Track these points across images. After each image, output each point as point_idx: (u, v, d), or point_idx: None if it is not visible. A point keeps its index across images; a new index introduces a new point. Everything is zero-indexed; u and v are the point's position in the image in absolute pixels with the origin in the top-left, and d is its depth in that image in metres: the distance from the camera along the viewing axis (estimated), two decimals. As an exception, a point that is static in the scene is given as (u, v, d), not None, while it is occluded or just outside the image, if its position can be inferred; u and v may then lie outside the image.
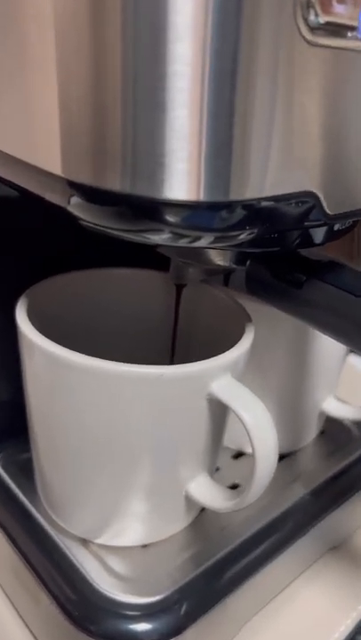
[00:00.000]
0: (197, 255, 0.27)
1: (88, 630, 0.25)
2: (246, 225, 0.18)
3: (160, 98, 0.15)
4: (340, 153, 0.19)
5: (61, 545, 0.28)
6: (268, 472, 0.24)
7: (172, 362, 0.33)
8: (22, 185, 0.21)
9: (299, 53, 0.16)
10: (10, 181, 0.21)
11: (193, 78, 0.15)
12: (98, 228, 0.19)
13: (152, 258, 0.29)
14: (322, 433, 0.38)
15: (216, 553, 0.28)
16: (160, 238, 0.18)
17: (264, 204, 0.18)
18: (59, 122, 0.17)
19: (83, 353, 0.23)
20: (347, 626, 0.32)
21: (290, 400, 0.34)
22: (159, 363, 0.23)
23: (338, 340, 0.24)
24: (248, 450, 0.35)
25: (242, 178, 0.17)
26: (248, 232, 0.19)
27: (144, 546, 0.29)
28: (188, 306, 0.31)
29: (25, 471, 0.32)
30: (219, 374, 0.24)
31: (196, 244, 0.19)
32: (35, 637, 0.29)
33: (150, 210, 0.17)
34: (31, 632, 0.29)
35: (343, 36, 0.17)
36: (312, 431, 0.37)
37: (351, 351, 0.38)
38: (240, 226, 0.18)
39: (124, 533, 0.28)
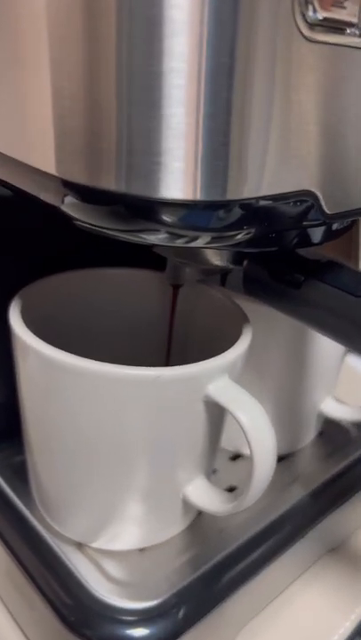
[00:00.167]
0: (194, 255, 0.27)
1: (84, 636, 0.24)
2: (244, 225, 0.18)
3: (156, 95, 0.15)
4: (338, 151, 0.19)
5: (57, 549, 0.28)
6: (267, 475, 0.24)
7: (168, 363, 0.32)
8: (16, 184, 0.20)
9: (297, 50, 0.16)
10: (4, 181, 0.21)
11: (189, 75, 0.15)
12: (93, 228, 0.19)
13: (150, 258, 0.28)
14: (320, 434, 0.38)
15: (214, 556, 0.28)
16: (156, 238, 0.18)
17: (262, 203, 0.17)
18: (52, 120, 0.16)
19: (78, 354, 0.23)
20: (346, 628, 0.32)
21: (288, 401, 0.34)
22: (155, 363, 0.23)
23: (337, 340, 0.24)
24: (246, 451, 0.35)
25: (239, 177, 0.16)
26: (246, 232, 0.18)
27: (141, 550, 0.28)
28: (184, 306, 0.31)
29: (19, 474, 0.31)
30: (216, 376, 0.24)
31: (193, 245, 0.18)
32: (30, 643, 0.29)
33: (146, 209, 0.16)
34: (26, 637, 0.29)
35: (342, 33, 0.17)
36: (310, 432, 0.37)
37: (350, 352, 0.37)
38: (238, 226, 0.18)
39: (121, 537, 0.28)
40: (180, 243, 0.18)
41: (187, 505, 0.28)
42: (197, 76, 0.15)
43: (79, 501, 0.27)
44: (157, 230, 0.17)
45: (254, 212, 0.17)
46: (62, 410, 0.24)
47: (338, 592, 0.34)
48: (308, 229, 0.23)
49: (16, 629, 0.30)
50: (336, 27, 0.17)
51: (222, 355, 0.24)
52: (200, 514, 0.30)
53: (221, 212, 0.17)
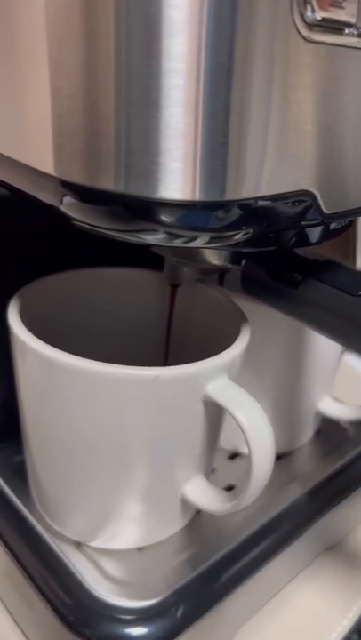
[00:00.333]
0: (192, 255, 0.27)
1: (83, 635, 0.24)
2: (242, 225, 0.18)
3: (154, 95, 0.15)
4: (337, 151, 0.19)
5: (56, 548, 0.28)
6: (265, 474, 0.24)
7: (166, 362, 0.32)
8: (15, 185, 0.20)
9: (295, 50, 0.16)
10: (3, 181, 0.21)
11: (188, 75, 0.15)
12: (91, 228, 0.19)
13: (149, 257, 0.28)
14: (318, 433, 0.38)
15: (212, 555, 0.28)
16: (155, 238, 0.18)
17: (260, 203, 0.17)
18: (51, 120, 0.16)
19: (76, 353, 0.23)
20: (343, 626, 0.32)
21: (286, 400, 0.34)
22: (153, 363, 0.23)
23: (335, 340, 0.24)
24: (244, 450, 0.35)
25: (238, 177, 0.16)
26: (244, 232, 0.18)
27: (139, 549, 0.28)
28: (182, 306, 0.31)
29: (18, 474, 0.31)
30: (215, 375, 0.24)
31: (192, 245, 0.18)
32: (29, 642, 0.29)
33: (145, 210, 0.16)
34: (25, 636, 0.29)
35: (340, 33, 0.17)
36: (308, 431, 0.37)
37: (347, 351, 0.37)
38: (236, 226, 0.18)
39: (119, 536, 0.28)
40: (178, 243, 0.18)
41: (185, 504, 0.28)
42: (196, 75, 0.15)
43: (78, 501, 0.27)
44: (156, 230, 0.17)
45: (253, 213, 0.17)
46: (61, 410, 0.24)
47: (335, 590, 0.34)
48: (307, 229, 0.23)
49: (15, 629, 0.30)
50: (334, 27, 0.17)
51: (221, 354, 0.24)
52: (199, 513, 0.30)
53: (220, 213, 0.17)
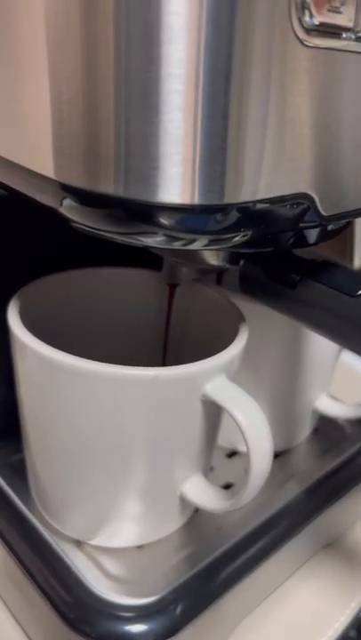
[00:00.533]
0: (191, 255, 0.27)
1: (83, 632, 0.25)
2: (241, 227, 0.18)
3: (154, 100, 0.15)
4: (334, 154, 0.19)
5: (55, 546, 0.28)
6: (263, 473, 0.24)
7: (164, 361, 0.33)
8: (14, 187, 0.20)
9: (293, 55, 0.16)
10: (4, 184, 0.21)
11: (187, 81, 0.15)
12: (90, 230, 0.19)
13: (148, 257, 0.29)
14: (315, 431, 0.39)
15: (211, 553, 0.28)
16: (154, 241, 0.18)
17: (259, 206, 0.18)
18: (51, 124, 0.17)
19: (75, 353, 0.23)
20: (341, 622, 0.32)
21: (283, 399, 0.34)
22: (152, 362, 0.23)
23: (333, 340, 0.24)
24: (242, 448, 0.35)
25: (237, 181, 0.17)
26: (243, 234, 0.19)
27: (139, 547, 0.29)
28: (180, 305, 0.31)
29: (18, 472, 0.31)
30: (213, 375, 0.24)
31: (191, 247, 0.19)
32: (29, 639, 0.29)
33: (144, 213, 0.17)
34: (26, 634, 0.29)
35: (338, 37, 0.17)
36: (306, 429, 0.38)
37: (345, 349, 0.38)
38: (235, 228, 0.18)
39: (119, 534, 0.28)
40: (177, 245, 0.18)
41: (184, 502, 0.28)
42: (195, 81, 0.15)
43: (77, 500, 0.27)
44: (155, 233, 0.18)
45: (251, 215, 0.18)
46: (60, 409, 0.24)
47: (333, 587, 0.34)
48: (305, 230, 0.23)
49: (16, 626, 0.30)
50: (332, 31, 0.17)
51: (220, 354, 0.24)
52: (197, 511, 0.30)
53: (219, 216, 0.17)
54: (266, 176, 0.17)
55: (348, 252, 0.34)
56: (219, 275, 0.34)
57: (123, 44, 0.15)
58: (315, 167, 0.19)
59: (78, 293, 0.31)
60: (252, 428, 0.23)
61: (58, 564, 0.27)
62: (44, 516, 0.29)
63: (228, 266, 0.27)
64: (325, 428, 0.39)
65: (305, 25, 0.16)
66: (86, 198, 0.17)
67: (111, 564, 0.28)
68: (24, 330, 0.24)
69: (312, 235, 0.24)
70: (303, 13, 0.16)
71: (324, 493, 0.34)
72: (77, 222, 0.19)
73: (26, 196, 0.20)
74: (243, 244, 0.20)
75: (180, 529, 0.30)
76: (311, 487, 0.33)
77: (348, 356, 0.45)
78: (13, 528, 0.29)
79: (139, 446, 0.25)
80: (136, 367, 0.22)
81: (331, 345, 0.34)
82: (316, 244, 0.24)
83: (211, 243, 0.19)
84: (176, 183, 0.16)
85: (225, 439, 0.34)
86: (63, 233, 0.24)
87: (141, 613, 0.25)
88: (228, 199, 0.17)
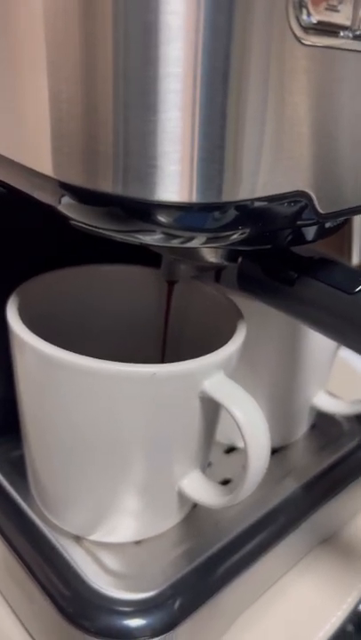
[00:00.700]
0: (189, 252, 0.27)
1: (82, 627, 0.25)
2: (239, 225, 0.18)
3: (152, 100, 0.15)
4: (332, 152, 0.19)
5: (55, 542, 0.28)
6: (261, 470, 0.24)
7: (163, 358, 0.33)
8: (14, 185, 0.20)
9: (291, 53, 0.16)
10: (3, 182, 0.21)
11: (185, 80, 0.15)
12: (88, 227, 0.19)
13: (146, 254, 0.29)
14: (313, 427, 0.39)
15: (209, 548, 0.29)
16: (152, 239, 0.18)
17: (257, 204, 0.18)
18: (50, 123, 0.17)
19: (74, 350, 0.23)
20: (338, 617, 0.33)
21: (281, 395, 0.35)
22: (150, 359, 0.23)
23: (331, 337, 0.24)
24: (240, 444, 0.36)
25: (234, 179, 0.17)
26: (241, 232, 0.19)
27: (137, 542, 0.29)
28: (179, 302, 0.31)
29: (17, 468, 0.31)
30: (211, 372, 0.24)
31: (189, 245, 0.19)
32: (29, 634, 0.29)
33: (143, 211, 0.17)
34: (25, 629, 0.30)
35: (335, 35, 0.17)
36: (303, 426, 0.38)
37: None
38: (233, 226, 0.18)
39: (117, 530, 0.28)
40: (175, 243, 0.18)
41: (182, 498, 0.28)
42: (193, 80, 0.15)
43: (76, 496, 0.27)
44: (153, 231, 0.18)
45: (249, 214, 0.18)
46: (59, 406, 0.24)
47: (330, 582, 0.34)
48: (302, 228, 0.23)
49: (16, 621, 0.30)
50: (330, 30, 0.17)
51: (217, 351, 0.25)
52: (195, 506, 0.31)
53: (217, 214, 0.17)
54: (264, 174, 0.17)
55: (347, 249, 0.34)
56: (217, 272, 0.34)
57: (121, 43, 0.15)
58: (312, 165, 0.19)
59: (77, 290, 0.31)
60: (250, 424, 0.23)
61: (57, 560, 0.27)
62: (44, 511, 0.29)
63: (226, 263, 0.27)
64: (323, 424, 0.39)
65: (303, 23, 0.16)
66: (85, 196, 0.17)
67: (110, 560, 0.28)
68: (23, 327, 0.24)
69: (310, 232, 0.24)
70: (301, 12, 0.16)
71: (321, 489, 0.34)
72: (76, 220, 0.19)
73: (25, 193, 0.20)
74: (240, 242, 0.20)
75: (178, 524, 0.30)
76: (309, 483, 0.34)
77: (346, 353, 0.46)
78: (13, 524, 0.29)
79: (137, 443, 0.25)
80: (134, 364, 0.23)
81: (329, 341, 0.34)
82: (314, 241, 0.24)
83: (209, 240, 0.19)
84: (174, 181, 0.16)
85: (223, 435, 0.34)
86: (62, 232, 0.24)
87: (140, 608, 0.26)
88: (226, 197, 0.17)
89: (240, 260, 0.26)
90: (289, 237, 0.23)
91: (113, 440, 0.25)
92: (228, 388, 0.24)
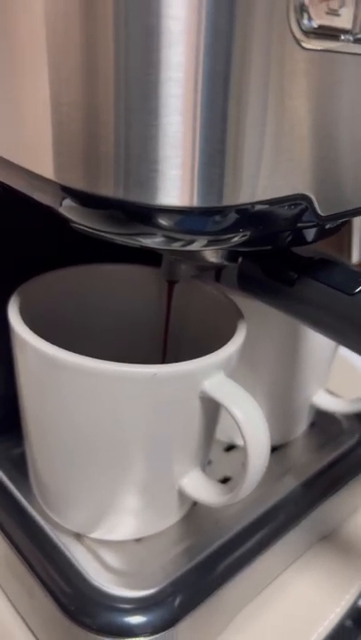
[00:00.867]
0: (190, 253, 0.27)
1: (83, 624, 0.25)
2: (240, 228, 0.18)
3: (153, 104, 0.15)
4: (332, 155, 0.19)
5: (56, 540, 0.28)
6: (261, 468, 0.24)
7: (164, 358, 0.33)
8: (15, 187, 0.20)
9: (292, 57, 0.16)
10: (4, 184, 0.21)
11: (186, 84, 0.15)
12: (89, 230, 0.19)
13: (147, 254, 0.29)
14: (312, 425, 0.39)
15: (209, 546, 0.29)
16: (153, 242, 0.18)
17: (257, 208, 0.18)
18: (51, 127, 0.17)
19: (75, 349, 0.23)
20: (336, 613, 0.33)
21: (281, 394, 0.35)
22: (151, 358, 0.23)
23: (331, 337, 0.24)
24: (240, 442, 0.36)
25: (235, 183, 0.17)
26: (241, 235, 0.19)
27: (138, 540, 0.29)
28: (180, 302, 0.31)
29: (19, 466, 0.32)
30: (212, 372, 0.24)
31: (190, 248, 0.19)
32: (31, 631, 0.30)
33: (144, 215, 0.17)
34: (27, 625, 0.30)
35: (336, 39, 0.17)
36: (303, 424, 0.38)
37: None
38: (233, 229, 0.18)
39: (118, 528, 0.28)
40: (176, 246, 0.18)
41: (182, 496, 0.28)
42: (194, 85, 0.15)
43: (77, 494, 0.28)
44: (154, 234, 0.18)
45: (250, 217, 0.18)
46: (60, 406, 0.25)
47: (329, 579, 0.34)
48: (302, 230, 0.23)
49: (17, 618, 0.30)
50: (331, 33, 0.17)
51: (218, 352, 0.25)
52: (195, 504, 0.31)
53: (218, 218, 0.17)
54: (264, 178, 0.17)
55: (347, 248, 0.35)
56: (217, 271, 0.34)
57: (122, 47, 0.15)
58: (313, 168, 0.19)
59: (78, 290, 0.31)
60: (250, 424, 0.24)
61: (58, 557, 0.28)
62: (45, 509, 0.30)
63: (226, 263, 0.27)
64: (323, 422, 0.39)
65: (303, 28, 0.16)
66: (86, 200, 0.17)
67: (111, 557, 0.28)
68: (24, 327, 0.24)
69: (310, 233, 0.24)
70: (302, 16, 0.16)
71: (320, 487, 0.34)
72: (77, 223, 0.19)
73: (26, 195, 0.20)
74: (241, 244, 0.20)
75: (178, 522, 0.30)
76: (308, 481, 0.34)
77: (345, 351, 0.46)
78: (14, 521, 0.29)
79: (138, 442, 0.25)
80: (135, 364, 0.23)
81: (328, 340, 0.34)
82: (314, 242, 0.25)
83: (209, 243, 0.19)
84: (175, 186, 0.16)
85: (223, 433, 0.34)
86: (63, 232, 0.24)
87: (140, 605, 0.26)
88: (226, 201, 0.17)
89: (240, 260, 0.26)
90: (289, 239, 0.24)
91: (114, 440, 0.25)
92: (228, 388, 0.24)
